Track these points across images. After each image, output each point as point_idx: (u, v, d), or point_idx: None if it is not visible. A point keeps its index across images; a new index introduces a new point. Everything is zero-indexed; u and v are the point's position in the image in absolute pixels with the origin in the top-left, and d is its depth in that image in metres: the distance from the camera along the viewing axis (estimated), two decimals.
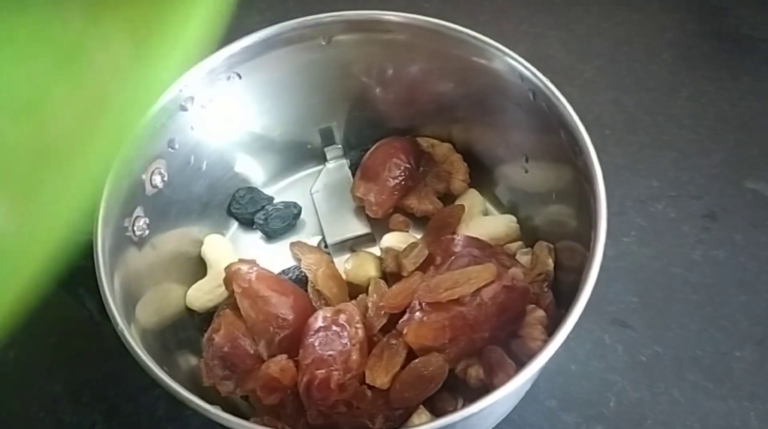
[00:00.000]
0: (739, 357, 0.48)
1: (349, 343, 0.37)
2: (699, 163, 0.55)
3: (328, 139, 0.50)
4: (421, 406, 0.38)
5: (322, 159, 0.51)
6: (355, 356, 0.36)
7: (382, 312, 0.39)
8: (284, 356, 0.38)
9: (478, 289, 0.37)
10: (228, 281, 0.41)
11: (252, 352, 0.39)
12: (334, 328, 0.38)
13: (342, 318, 0.38)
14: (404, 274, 0.41)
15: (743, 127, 0.57)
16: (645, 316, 0.49)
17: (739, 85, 0.59)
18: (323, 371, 0.36)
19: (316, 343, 0.37)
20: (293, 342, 0.39)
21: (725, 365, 0.47)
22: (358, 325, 0.38)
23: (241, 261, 0.43)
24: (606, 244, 0.35)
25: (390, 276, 0.43)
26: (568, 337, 0.47)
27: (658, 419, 0.46)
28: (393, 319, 0.39)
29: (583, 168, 0.36)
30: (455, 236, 0.42)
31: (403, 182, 0.46)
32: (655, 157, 0.56)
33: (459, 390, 0.38)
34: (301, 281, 0.45)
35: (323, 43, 0.43)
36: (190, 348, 0.42)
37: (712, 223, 0.53)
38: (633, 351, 0.48)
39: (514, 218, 0.46)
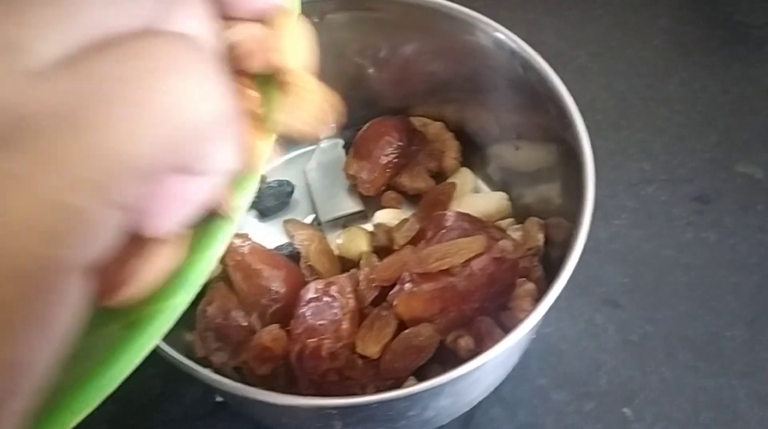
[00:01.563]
0: (729, 337, 0.48)
1: (339, 313, 0.37)
2: (690, 147, 0.56)
3: None
4: (412, 376, 0.38)
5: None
6: (345, 325, 0.37)
7: (373, 285, 0.40)
8: (276, 326, 0.38)
9: (468, 261, 0.37)
10: None
11: (245, 324, 0.40)
12: (326, 298, 0.38)
13: (333, 289, 0.38)
14: (395, 247, 0.41)
15: (735, 112, 0.58)
16: (636, 297, 0.50)
17: (731, 71, 0.60)
18: (315, 340, 0.36)
19: (308, 313, 0.37)
20: (286, 315, 0.40)
21: (715, 345, 0.48)
22: (350, 296, 0.38)
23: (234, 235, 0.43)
24: (598, 226, 0.35)
25: (381, 251, 0.43)
26: (560, 317, 0.48)
27: (648, 397, 0.46)
28: (384, 293, 0.40)
29: (571, 141, 0.36)
30: (447, 212, 0.42)
31: (395, 160, 0.47)
32: (647, 142, 0.56)
33: (449, 362, 0.39)
34: (294, 258, 0.45)
35: (316, 20, 0.44)
36: (183, 322, 0.43)
37: (703, 206, 0.53)
38: (624, 331, 0.48)
39: (505, 195, 0.47)
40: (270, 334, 0.37)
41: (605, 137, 0.56)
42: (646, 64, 0.61)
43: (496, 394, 0.45)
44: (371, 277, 0.40)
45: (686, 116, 0.58)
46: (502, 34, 0.40)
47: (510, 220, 0.46)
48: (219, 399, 0.45)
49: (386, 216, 0.45)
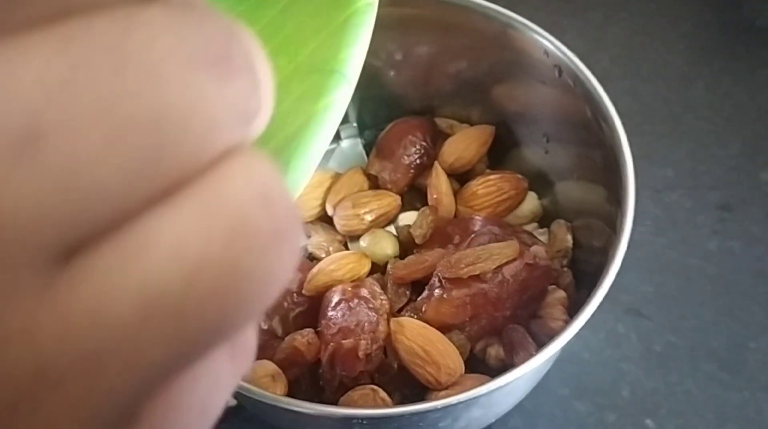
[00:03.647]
0: (754, 348, 0.47)
1: (375, 314, 0.36)
2: (715, 153, 0.55)
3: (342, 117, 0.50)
4: None
5: (336, 137, 0.50)
6: (382, 327, 0.36)
7: (400, 289, 0.38)
8: (311, 330, 0.37)
9: (500, 266, 0.36)
10: None
11: (265, 327, 0.38)
12: (356, 300, 0.37)
13: (363, 291, 0.37)
14: (417, 242, 0.40)
15: (760, 118, 0.57)
16: (660, 306, 0.49)
17: (756, 77, 0.59)
18: (351, 340, 0.35)
19: (340, 315, 0.36)
20: (308, 319, 0.38)
21: (740, 356, 0.47)
22: (383, 298, 0.37)
23: None
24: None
25: (408, 254, 0.42)
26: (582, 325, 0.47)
27: (672, 409, 0.45)
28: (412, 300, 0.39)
29: (610, 145, 0.35)
30: (474, 216, 0.41)
31: (418, 160, 0.46)
32: (671, 148, 0.55)
33: (478, 370, 0.38)
34: (314, 260, 0.44)
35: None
36: None
37: (727, 214, 0.52)
38: (647, 340, 0.47)
39: (535, 196, 0.46)
40: (305, 338, 0.36)
41: (628, 142, 0.55)
42: (669, 69, 0.60)
43: (517, 404, 0.44)
44: (390, 272, 0.38)
45: (710, 122, 0.57)
46: (537, 33, 0.39)
47: (534, 223, 0.45)
48: (233, 403, 0.44)
49: (411, 218, 0.44)
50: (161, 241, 0.09)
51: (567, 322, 0.32)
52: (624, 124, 0.56)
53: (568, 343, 0.47)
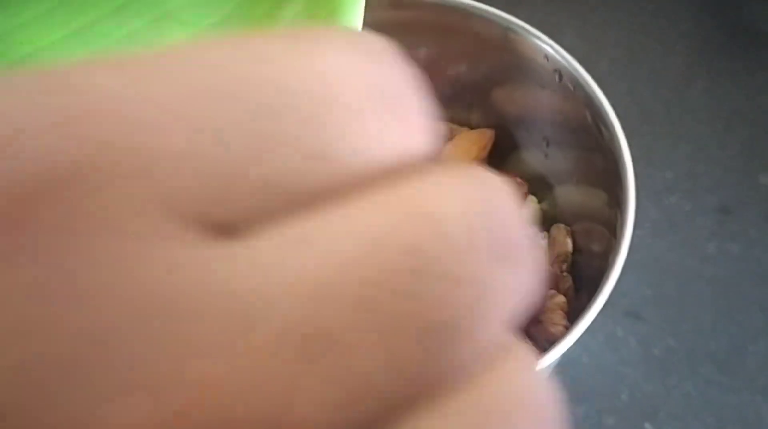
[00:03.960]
0: (753, 351, 0.47)
1: None
2: (714, 156, 0.55)
3: None
4: None
5: None
6: None
7: None
8: None
9: None
10: None
11: None
12: None
13: None
14: None
15: (759, 121, 0.57)
16: (659, 309, 0.49)
17: (755, 79, 0.59)
18: None
19: None
20: None
21: (739, 359, 0.47)
22: None
23: None
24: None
25: None
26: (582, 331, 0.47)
27: (671, 412, 0.45)
28: None
29: (610, 149, 0.35)
30: None
31: None
32: (670, 150, 0.55)
33: None
34: None
35: None
36: None
37: (726, 216, 0.52)
38: (646, 344, 0.47)
39: (535, 200, 0.46)
40: None
41: (627, 144, 0.55)
42: (668, 71, 0.60)
43: None
44: None
45: (709, 125, 0.57)
46: (536, 38, 0.39)
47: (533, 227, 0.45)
48: None
49: None
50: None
51: (567, 328, 0.32)
52: (623, 126, 0.56)
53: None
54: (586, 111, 0.37)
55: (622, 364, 0.47)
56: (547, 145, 0.44)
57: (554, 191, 0.45)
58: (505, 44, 0.41)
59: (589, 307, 0.32)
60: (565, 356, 0.46)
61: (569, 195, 0.43)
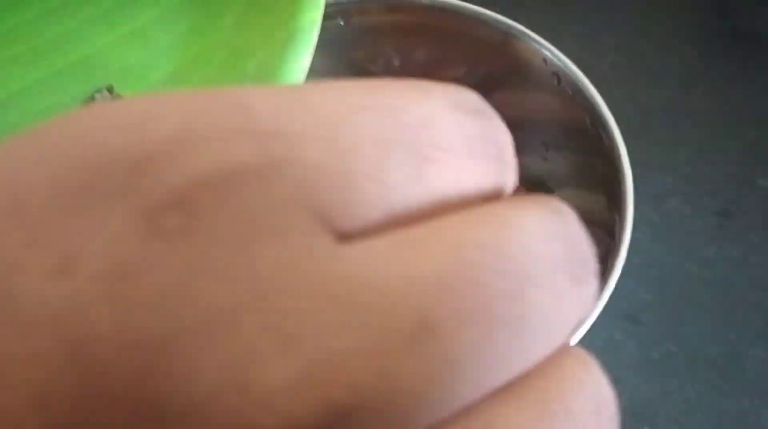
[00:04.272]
0: (753, 356, 0.47)
1: None
2: (714, 159, 0.55)
3: None
4: None
5: None
6: None
7: None
8: None
9: None
10: None
11: None
12: None
13: None
14: None
15: (759, 125, 0.57)
16: (657, 313, 0.48)
17: (756, 83, 0.59)
18: None
19: None
20: None
21: (739, 364, 0.47)
22: None
23: None
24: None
25: None
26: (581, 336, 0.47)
27: (670, 417, 0.45)
28: None
29: (609, 154, 0.35)
30: None
31: None
32: (670, 154, 0.55)
33: None
34: None
35: (341, 23, 0.42)
36: None
37: (726, 220, 0.52)
38: (645, 348, 0.47)
39: None
40: None
41: (627, 148, 0.55)
42: (668, 74, 0.59)
43: None
44: None
45: (709, 128, 0.57)
46: (534, 41, 0.39)
47: None
48: None
49: None
50: None
51: None
52: (622, 130, 0.56)
53: None
54: (585, 115, 0.37)
55: (621, 368, 0.46)
56: (546, 149, 0.44)
57: (554, 195, 0.45)
58: (502, 48, 0.40)
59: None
60: None
61: (569, 199, 0.42)
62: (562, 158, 0.42)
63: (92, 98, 0.24)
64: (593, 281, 0.12)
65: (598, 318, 0.48)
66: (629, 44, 0.61)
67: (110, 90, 0.25)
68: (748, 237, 0.51)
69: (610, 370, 0.43)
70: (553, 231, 0.11)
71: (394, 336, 0.09)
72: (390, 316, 0.09)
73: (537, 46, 0.39)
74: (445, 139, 0.11)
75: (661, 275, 0.50)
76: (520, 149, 0.43)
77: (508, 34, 0.40)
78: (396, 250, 0.10)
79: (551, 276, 0.11)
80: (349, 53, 0.44)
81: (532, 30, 0.40)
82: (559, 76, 0.39)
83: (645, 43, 0.62)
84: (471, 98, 0.13)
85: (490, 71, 0.43)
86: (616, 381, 0.44)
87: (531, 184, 0.45)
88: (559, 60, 0.38)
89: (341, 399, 0.09)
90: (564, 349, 0.11)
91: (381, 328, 0.09)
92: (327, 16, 0.42)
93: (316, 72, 0.46)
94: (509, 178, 0.13)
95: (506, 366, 0.10)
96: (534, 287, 0.10)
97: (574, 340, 0.33)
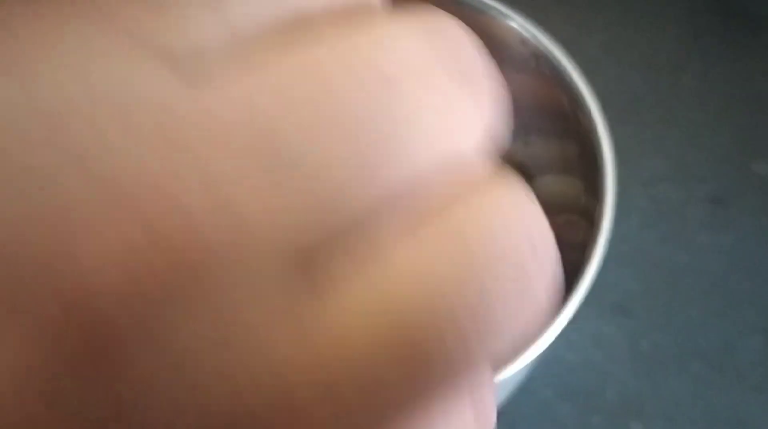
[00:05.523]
0: (744, 347, 0.46)
1: None
2: (706, 144, 0.54)
3: None
4: None
5: None
6: None
7: None
8: None
9: None
10: None
11: None
12: None
13: None
14: None
15: (752, 108, 0.55)
16: (647, 304, 0.47)
17: (748, 65, 0.57)
18: None
19: None
20: None
21: (730, 356, 0.46)
22: None
23: None
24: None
25: None
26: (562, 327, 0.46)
27: (659, 411, 0.44)
28: None
29: (588, 136, 0.34)
30: None
31: None
32: (660, 137, 0.54)
33: None
34: None
35: None
36: None
37: (717, 207, 0.51)
38: (634, 339, 0.46)
39: None
40: None
41: (616, 132, 0.53)
42: (659, 56, 0.58)
43: (497, 407, 0.43)
44: None
45: (701, 111, 0.55)
46: (512, 20, 0.38)
47: None
48: None
49: None
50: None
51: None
52: (610, 113, 0.55)
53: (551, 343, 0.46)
54: (564, 97, 0.36)
55: (609, 360, 0.46)
56: (527, 133, 0.42)
57: (536, 181, 0.43)
58: (479, 28, 0.39)
59: (567, 301, 0.30)
60: (549, 352, 0.45)
61: (551, 185, 0.42)
62: (543, 143, 0.41)
63: None
64: (485, 83, 0.11)
65: (584, 309, 0.47)
66: (619, 24, 0.60)
67: None
68: (741, 224, 0.50)
69: (598, 362, 0.42)
70: (418, 34, 0.10)
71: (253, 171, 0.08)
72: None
73: (514, 25, 0.38)
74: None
75: (650, 264, 0.49)
76: None
77: (483, 13, 0.38)
78: (255, 97, 0.08)
79: (422, 76, 0.10)
80: None
81: (519, 9, 0.39)
82: (537, 57, 0.37)
83: (636, 23, 0.60)
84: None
85: None
86: (604, 373, 0.42)
87: (512, 169, 0.44)
88: (537, 40, 0.37)
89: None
90: (486, 175, 0.10)
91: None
92: None
93: None
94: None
95: (386, 173, 0.09)
96: (397, 85, 0.09)
97: (557, 328, 0.32)
